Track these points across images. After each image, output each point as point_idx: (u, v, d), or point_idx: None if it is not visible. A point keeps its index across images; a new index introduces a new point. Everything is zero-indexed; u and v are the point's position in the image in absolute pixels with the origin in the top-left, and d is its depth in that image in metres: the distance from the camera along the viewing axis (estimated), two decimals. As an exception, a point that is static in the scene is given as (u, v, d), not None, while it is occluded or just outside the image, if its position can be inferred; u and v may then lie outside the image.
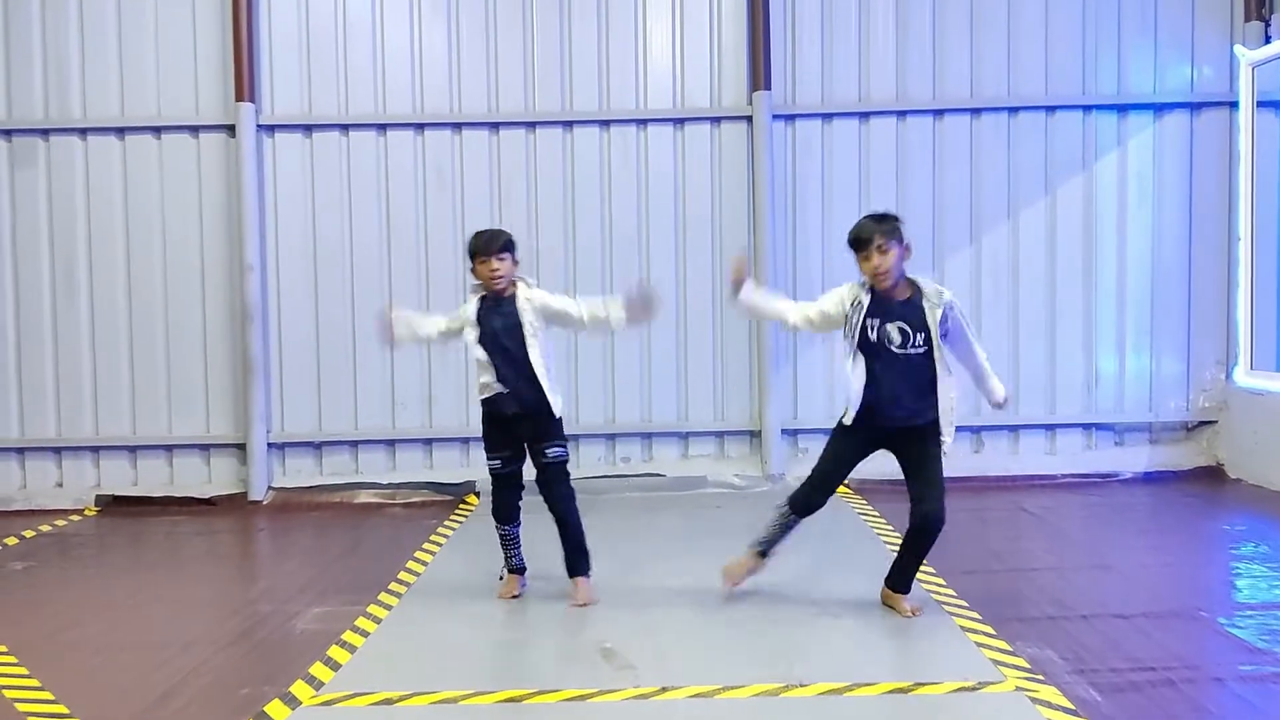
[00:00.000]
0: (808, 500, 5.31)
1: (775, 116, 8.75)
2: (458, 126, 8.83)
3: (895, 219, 5.10)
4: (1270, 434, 8.17)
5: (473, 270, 5.52)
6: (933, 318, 5.02)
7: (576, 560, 5.59)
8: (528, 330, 5.40)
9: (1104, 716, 3.88)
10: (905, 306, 5.05)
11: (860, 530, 7.13)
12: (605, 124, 8.84)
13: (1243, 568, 6.15)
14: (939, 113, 8.81)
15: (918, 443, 5.08)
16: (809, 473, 5.34)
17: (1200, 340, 8.87)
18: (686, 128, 8.86)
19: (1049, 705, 4.00)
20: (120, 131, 8.83)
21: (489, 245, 5.46)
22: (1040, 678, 4.29)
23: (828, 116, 8.85)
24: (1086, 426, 8.90)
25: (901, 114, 8.81)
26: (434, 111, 8.82)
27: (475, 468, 8.77)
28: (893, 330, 5.02)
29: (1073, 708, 3.97)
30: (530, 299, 5.46)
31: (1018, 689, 4.17)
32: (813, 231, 8.86)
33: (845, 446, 5.24)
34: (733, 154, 8.84)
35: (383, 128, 8.82)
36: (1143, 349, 8.89)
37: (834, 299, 5.20)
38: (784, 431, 8.86)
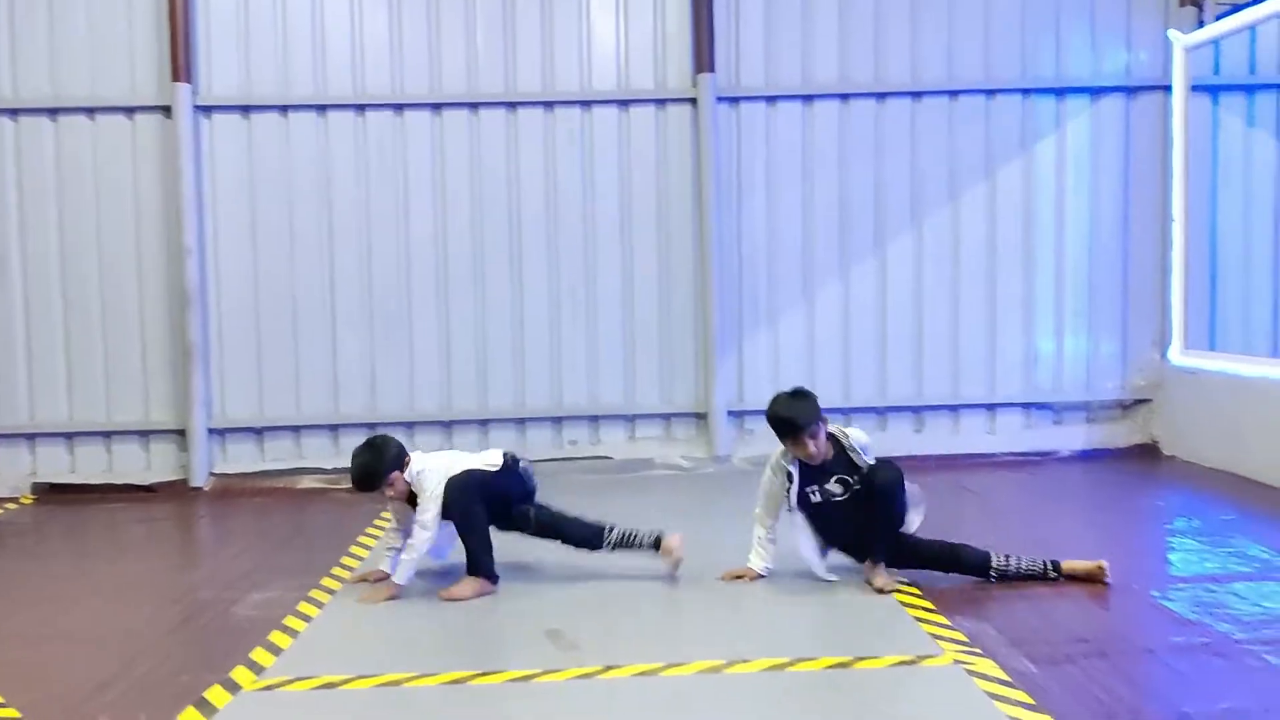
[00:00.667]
0: None
1: (720, 99, 8.76)
2: (399, 108, 8.74)
3: (813, 399, 5.28)
4: (1203, 412, 8.35)
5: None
6: (859, 459, 5.31)
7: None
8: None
9: (1038, 688, 3.95)
10: (835, 463, 5.31)
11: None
12: (549, 105, 8.80)
13: (1176, 542, 6.30)
14: (881, 96, 8.87)
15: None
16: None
17: (1136, 321, 9.03)
18: (631, 109, 8.84)
19: (985, 677, 4.06)
20: (52, 112, 8.64)
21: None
22: (977, 651, 4.35)
23: (772, 99, 8.87)
24: (1026, 406, 9.04)
25: (844, 97, 8.86)
26: (375, 93, 8.72)
27: (422, 450, 8.72)
28: (834, 486, 5.30)
29: (1008, 679, 4.04)
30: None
31: (955, 662, 4.24)
32: (758, 213, 8.90)
33: None
34: (678, 136, 8.84)
35: (323, 108, 8.70)
36: (1080, 330, 9.03)
37: (769, 487, 5.43)
38: (730, 413, 8.90)
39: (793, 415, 5.20)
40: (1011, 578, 5.24)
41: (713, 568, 5.60)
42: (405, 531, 5.49)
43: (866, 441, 5.41)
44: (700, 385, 8.92)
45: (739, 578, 5.44)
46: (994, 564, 5.26)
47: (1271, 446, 7.47)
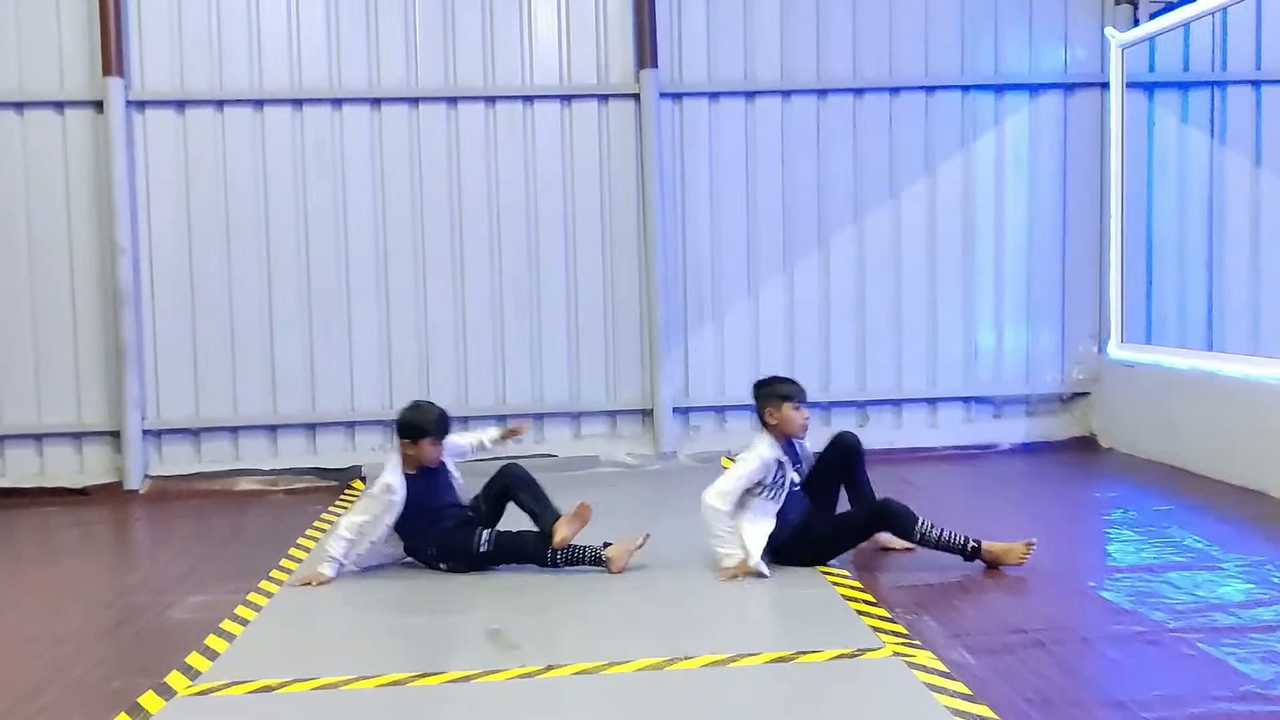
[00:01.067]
0: None
1: (663, 95, 8.74)
2: (338, 102, 8.62)
3: None
4: (1140, 404, 8.48)
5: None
6: (805, 449, 5.66)
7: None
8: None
9: (976, 678, 3.98)
10: (791, 450, 5.52)
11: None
12: (491, 100, 8.73)
13: (1113, 533, 6.39)
14: (823, 92, 8.90)
15: None
16: None
17: (1074, 315, 9.15)
18: (574, 105, 8.80)
19: (924, 669, 4.09)
20: (-20, 107, 8.43)
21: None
22: (917, 643, 4.38)
23: (714, 95, 8.87)
24: (966, 400, 9.13)
25: (786, 94, 8.89)
26: (313, 87, 8.59)
27: (361, 452, 8.65)
28: (794, 474, 5.48)
29: (947, 671, 4.07)
30: None
31: (895, 654, 4.26)
32: (702, 209, 8.90)
33: None
34: (621, 132, 8.81)
35: (259, 103, 8.56)
36: (1020, 324, 9.14)
37: (753, 473, 5.33)
38: (676, 410, 8.89)
39: (796, 384, 5.49)
40: (931, 545, 5.33)
41: (658, 565, 5.58)
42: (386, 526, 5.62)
43: None
44: (646, 382, 8.90)
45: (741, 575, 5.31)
46: (920, 525, 5.32)
47: (1205, 438, 7.61)
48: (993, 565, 5.37)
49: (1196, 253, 9.13)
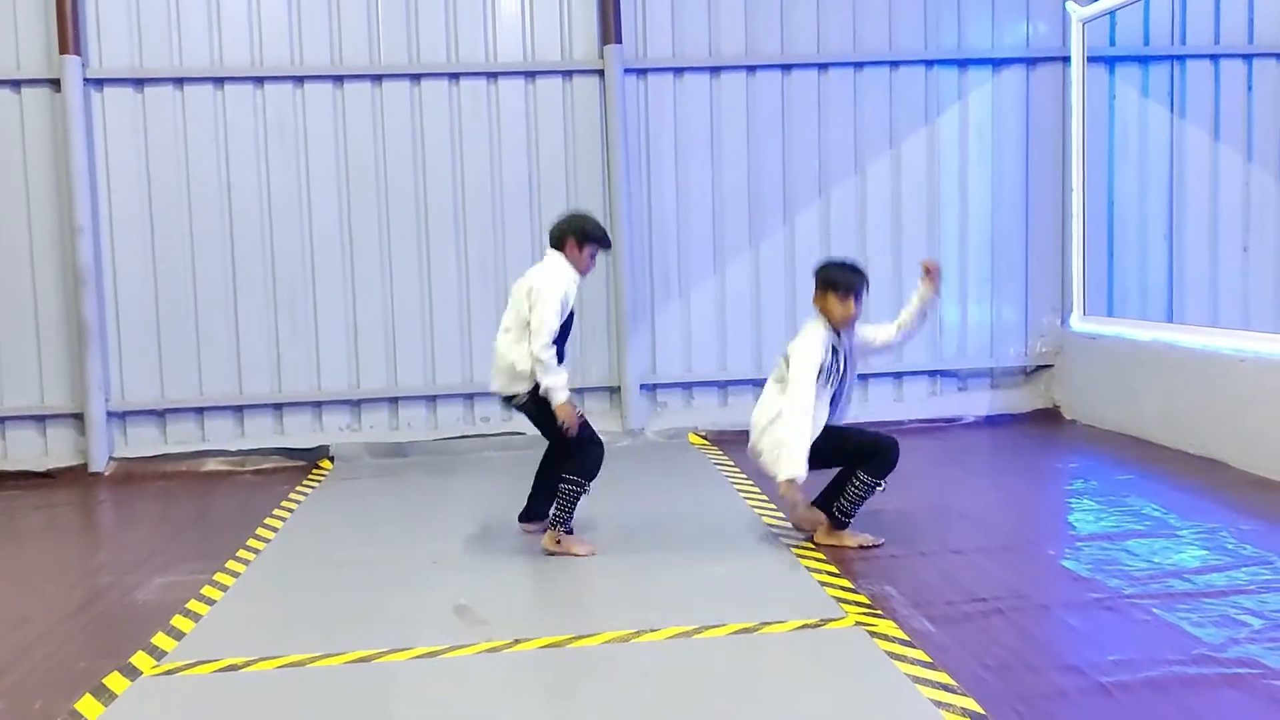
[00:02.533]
0: None
1: (627, 71, 8.72)
2: (300, 80, 8.54)
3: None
4: (1102, 376, 8.58)
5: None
6: (853, 346, 5.50)
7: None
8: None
9: (937, 646, 4.05)
10: (845, 342, 5.41)
11: (711, 478, 7.27)
12: (454, 77, 8.67)
13: (1075, 503, 6.48)
14: (787, 68, 8.91)
15: None
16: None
17: (1037, 289, 9.24)
18: (538, 81, 8.76)
19: (885, 638, 4.15)
20: (-67, 86, 8.29)
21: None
22: (879, 612, 4.45)
23: (679, 71, 8.86)
24: (932, 374, 9.21)
25: (751, 69, 8.89)
26: (274, 65, 8.50)
27: (328, 432, 8.63)
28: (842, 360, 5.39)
29: (908, 639, 4.13)
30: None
31: (857, 624, 4.32)
32: (667, 187, 8.90)
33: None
34: (585, 108, 8.79)
35: (220, 81, 8.47)
36: (984, 298, 9.21)
37: (820, 353, 5.23)
38: (643, 386, 8.92)
39: (854, 272, 5.37)
40: (848, 503, 5.39)
41: (624, 540, 5.62)
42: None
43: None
44: (613, 359, 8.92)
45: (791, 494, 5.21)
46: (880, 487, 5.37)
47: (1165, 409, 7.72)
48: (836, 544, 5.40)
49: (1157, 226, 9.23)
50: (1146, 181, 9.24)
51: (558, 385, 5.30)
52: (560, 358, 5.38)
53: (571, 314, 5.50)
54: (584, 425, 5.45)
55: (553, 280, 5.41)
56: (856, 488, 5.34)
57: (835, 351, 5.30)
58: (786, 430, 5.15)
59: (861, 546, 5.39)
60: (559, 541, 5.43)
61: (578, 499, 5.41)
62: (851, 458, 5.40)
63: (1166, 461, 7.26)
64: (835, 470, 5.49)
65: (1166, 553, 5.17)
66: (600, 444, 5.50)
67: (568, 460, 5.46)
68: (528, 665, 4.11)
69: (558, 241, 5.56)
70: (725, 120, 8.90)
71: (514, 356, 5.43)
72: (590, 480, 5.41)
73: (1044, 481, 7.22)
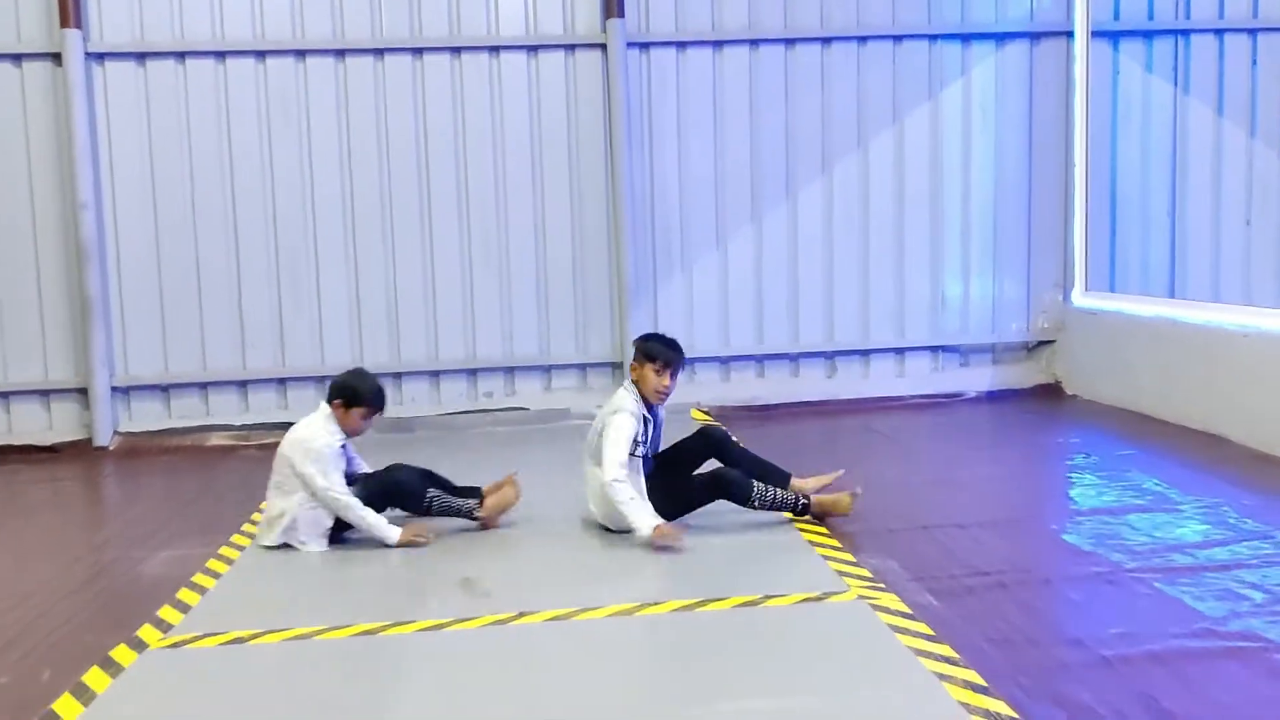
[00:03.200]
0: None
1: (630, 44, 8.68)
2: (301, 54, 8.51)
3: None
4: (1104, 351, 8.59)
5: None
6: (662, 419, 5.58)
7: None
8: None
9: (939, 619, 4.07)
10: (655, 414, 5.48)
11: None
12: (456, 51, 8.64)
13: (1076, 477, 6.50)
14: (790, 42, 8.87)
15: None
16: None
17: (1039, 264, 9.23)
18: (540, 55, 8.73)
19: (887, 611, 4.17)
20: (-66, 60, 8.27)
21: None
22: (881, 586, 4.47)
23: (682, 45, 8.83)
24: (934, 349, 9.21)
25: (754, 43, 8.85)
26: (275, 38, 8.47)
27: (332, 406, 8.63)
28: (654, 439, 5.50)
29: (910, 612, 4.16)
30: None
31: (859, 597, 4.34)
32: (669, 161, 8.88)
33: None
34: (588, 83, 8.76)
35: (221, 55, 8.44)
36: (986, 273, 9.21)
37: (631, 427, 5.22)
38: (645, 361, 8.91)
39: (672, 349, 5.41)
40: (767, 508, 5.31)
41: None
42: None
43: None
44: (615, 334, 8.92)
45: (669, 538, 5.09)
46: (755, 492, 5.28)
47: (1166, 384, 7.73)
48: (821, 518, 5.41)
49: (1159, 202, 9.22)
50: (1149, 157, 9.22)
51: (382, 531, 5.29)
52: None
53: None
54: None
55: (312, 444, 5.30)
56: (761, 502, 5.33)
57: (646, 422, 5.31)
58: (615, 503, 5.13)
59: (834, 480, 5.56)
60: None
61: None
62: (704, 495, 5.39)
63: (1168, 437, 7.27)
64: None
65: (1168, 527, 5.19)
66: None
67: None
68: (532, 637, 4.14)
69: (328, 397, 5.43)
70: (728, 95, 8.87)
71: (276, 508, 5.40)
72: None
73: (1045, 456, 7.24)
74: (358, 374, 5.55)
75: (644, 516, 5.07)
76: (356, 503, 5.27)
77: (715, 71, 8.86)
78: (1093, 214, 8.98)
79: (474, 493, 5.64)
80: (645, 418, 5.31)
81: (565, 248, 8.86)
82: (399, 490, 5.48)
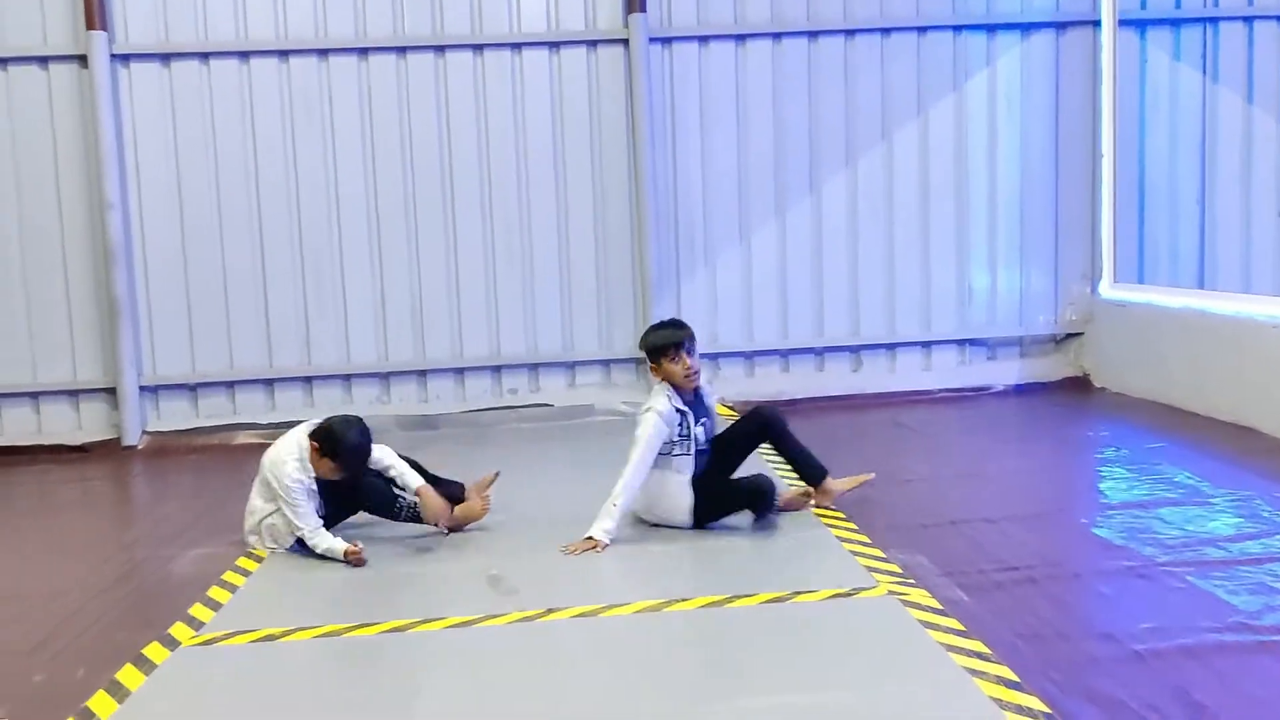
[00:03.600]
0: None
1: (652, 39, 8.66)
2: (324, 53, 8.54)
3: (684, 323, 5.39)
4: (1132, 344, 8.51)
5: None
6: (712, 403, 5.45)
7: None
8: None
9: (969, 615, 4.04)
10: (697, 404, 5.27)
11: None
12: (478, 48, 8.64)
13: (1105, 470, 6.45)
14: (813, 34, 8.83)
15: None
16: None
17: (1067, 255, 9.15)
18: (562, 51, 8.72)
19: (918, 606, 4.15)
20: (-38, 64, 8.35)
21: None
22: (911, 581, 4.44)
23: (704, 39, 8.80)
24: (960, 342, 9.15)
25: (777, 36, 8.81)
26: (298, 38, 8.50)
27: (358, 405, 8.65)
28: (699, 431, 5.24)
29: (940, 607, 4.13)
30: None
31: (889, 593, 4.32)
32: (692, 156, 8.85)
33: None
34: (610, 78, 8.74)
35: (245, 55, 8.48)
36: (1013, 266, 9.14)
37: (657, 428, 5.12)
38: (669, 357, 8.90)
39: (668, 330, 5.30)
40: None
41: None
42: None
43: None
44: (639, 330, 8.83)
45: (579, 548, 5.05)
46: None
47: (1196, 376, 7.65)
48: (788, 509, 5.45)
49: (1188, 191, 9.12)
50: (1178, 146, 9.11)
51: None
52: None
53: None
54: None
55: (281, 479, 5.16)
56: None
57: (683, 416, 5.17)
58: (617, 489, 5.11)
59: (862, 484, 5.54)
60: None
61: None
62: (742, 503, 5.32)
63: (1198, 429, 7.20)
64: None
65: (1200, 520, 5.14)
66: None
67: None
68: (559, 633, 4.14)
69: (311, 433, 5.24)
70: (751, 88, 8.84)
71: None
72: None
73: (1074, 450, 7.18)
74: (347, 426, 5.20)
75: (603, 519, 5.07)
76: (321, 536, 5.15)
77: (738, 65, 8.83)
78: (1120, 205, 8.90)
79: (458, 486, 5.64)
80: (680, 410, 5.18)
81: (588, 243, 8.86)
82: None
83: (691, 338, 5.29)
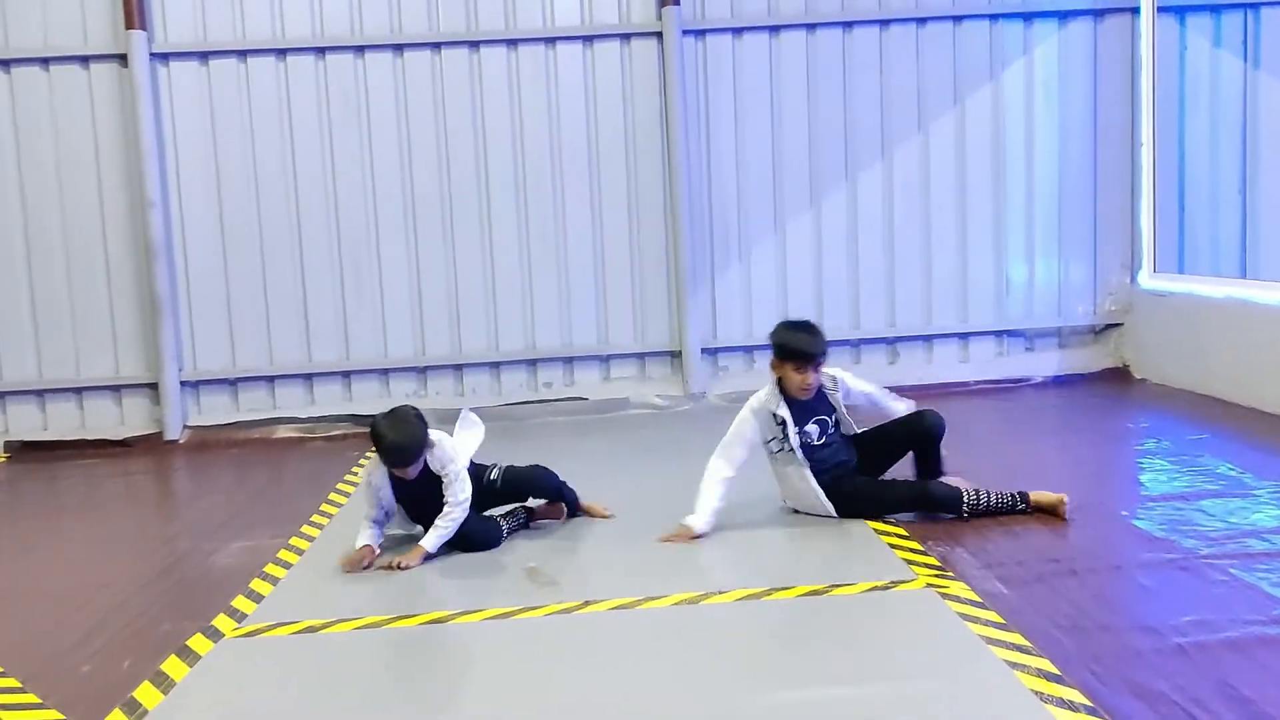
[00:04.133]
0: None
1: (685, 32, 8.65)
2: (360, 50, 8.60)
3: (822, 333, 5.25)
4: (1173, 334, 8.41)
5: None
6: (837, 401, 5.29)
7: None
8: None
9: (1009, 607, 4.02)
10: (816, 401, 5.23)
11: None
12: (513, 43, 8.68)
13: (1146, 463, 6.37)
14: (848, 25, 8.78)
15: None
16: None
17: (1106, 245, 9.06)
18: (596, 45, 8.73)
19: (957, 599, 4.13)
20: (5, 64, 8.46)
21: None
22: (949, 574, 4.42)
23: (738, 31, 8.78)
24: (998, 334, 9.09)
25: (811, 27, 8.77)
26: (335, 35, 8.57)
27: (395, 399, 8.69)
28: (812, 429, 5.21)
29: (980, 600, 4.11)
30: None
31: (928, 586, 4.30)
32: (726, 148, 8.84)
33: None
34: (644, 71, 8.74)
35: (282, 53, 8.55)
36: (1051, 256, 9.06)
37: (751, 427, 5.17)
38: (704, 351, 8.91)
39: (811, 337, 5.15)
40: (982, 513, 5.13)
41: (686, 505, 5.60)
42: (384, 509, 5.16)
43: (840, 376, 5.35)
44: (673, 323, 8.92)
45: (675, 538, 5.07)
46: (966, 501, 5.14)
47: (1238, 366, 7.55)
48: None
49: (1229, 180, 8.99)
50: (1219, 134, 8.98)
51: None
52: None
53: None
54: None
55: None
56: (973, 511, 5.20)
57: (782, 423, 5.11)
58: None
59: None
60: None
61: None
62: (907, 507, 5.26)
63: (1240, 420, 7.11)
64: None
65: (1243, 512, 5.07)
66: None
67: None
68: (598, 626, 4.16)
69: None
70: (785, 80, 8.81)
71: None
72: None
73: (1114, 441, 7.12)
74: (388, 422, 4.99)
75: (700, 507, 5.09)
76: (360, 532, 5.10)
77: (772, 57, 8.80)
78: (1160, 193, 8.79)
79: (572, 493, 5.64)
80: (775, 414, 5.12)
81: (623, 237, 8.87)
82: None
83: (824, 354, 5.17)
